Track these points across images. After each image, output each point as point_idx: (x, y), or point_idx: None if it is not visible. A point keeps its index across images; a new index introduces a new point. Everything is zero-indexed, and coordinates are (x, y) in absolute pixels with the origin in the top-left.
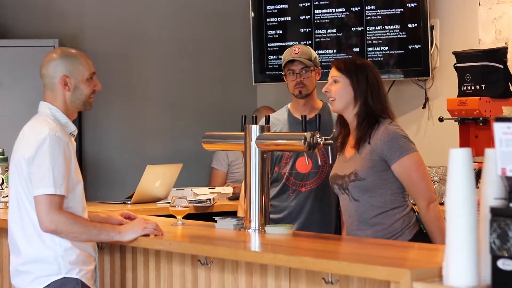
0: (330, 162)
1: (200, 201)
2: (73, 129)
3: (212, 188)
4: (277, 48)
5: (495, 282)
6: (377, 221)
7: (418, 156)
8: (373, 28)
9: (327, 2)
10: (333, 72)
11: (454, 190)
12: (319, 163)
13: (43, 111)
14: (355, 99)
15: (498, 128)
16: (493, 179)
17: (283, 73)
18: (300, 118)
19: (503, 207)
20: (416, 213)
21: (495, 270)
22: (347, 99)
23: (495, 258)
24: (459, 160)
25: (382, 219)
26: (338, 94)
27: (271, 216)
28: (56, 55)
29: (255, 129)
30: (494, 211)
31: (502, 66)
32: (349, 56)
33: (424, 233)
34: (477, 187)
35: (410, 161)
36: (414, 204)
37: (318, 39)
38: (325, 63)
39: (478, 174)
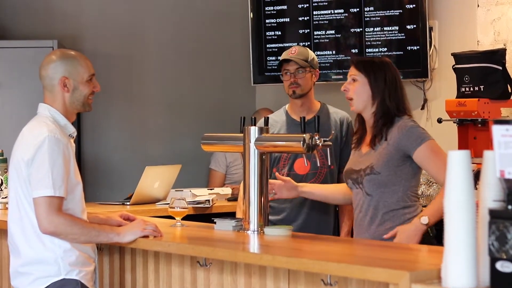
0: (329, 164)
1: (199, 202)
2: (72, 130)
3: (211, 189)
4: (276, 49)
5: (494, 284)
6: (387, 218)
7: (433, 143)
8: (371, 29)
9: (326, 3)
10: (352, 71)
11: (453, 192)
12: (318, 165)
13: (42, 113)
14: (373, 98)
15: (497, 131)
16: (492, 181)
17: (280, 73)
18: (298, 119)
19: (502, 209)
20: None
21: (494, 272)
22: (364, 98)
23: (493, 260)
24: (457, 162)
25: (392, 217)
26: (356, 93)
27: (270, 217)
28: (55, 57)
29: (254, 131)
30: (493, 213)
31: (500, 68)
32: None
33: (431, 236)
34: (476, 189)
35: (429, 147)
36: (424, 206)
37: (317, 40)
38: (323, 64)
39: (476, 176)
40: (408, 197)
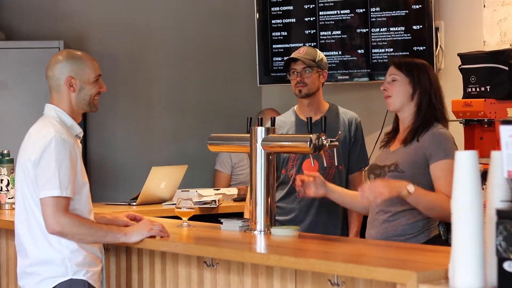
0: (336, 164)
1: (205, 203)
2: (79, 131)
3: (217, 190)
4: (282, 50)
5: (501, 284)
6: (402, 216)
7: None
8: (377, 29)
9: (332, 4)
10: (392, 71)
11: (461, 193)
12: (325, 165)
13: (48, 113)
14: (412, 99)
15: (505, 131)
16: (499, 182)
17: (287, 73)
18: (304, 119)
19: (509, 210)
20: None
21: (501, 272)
22: (404, 98)
23: (501, 260)
24: (465, 162)
25: (407, 215)
26: (396, 93)
27: (278, 218)
28: (62, 57)
29: (260, 131)
30: (500, 214)
31: (507, 68)
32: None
33: (442, 239)
34: (483, 189)
35: (450, 166)
36: None
37: (323, 41)
38: (329, 65)
39: (483, 176)
40: None
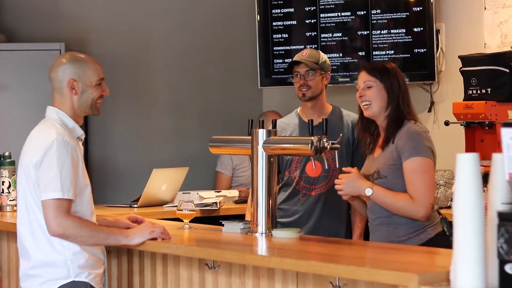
0: (337, 166)
1: (206, 205)
2: (81, 133)
3: (218, 192)
4: (283, 52)
5: (503, 286)
6: (399, 217)
7: (428, 163)
8: (378, 32)
9: (333, 6)
10: (364, 77)
11: (462, 195)
12: (326, 167)
13: (50, 116)
14: (388, 103)
15: (506, 133)
16: (500, 184)
17: (291, 76)
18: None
19: (511, 212)
20: (441, 216)
21: (503, 274)
22: (382, 103)
23: (502, 262)
24: (466, 164)
25: (399, 219)
26: (374, 99)
27: (281, 220)
28: (65, 60)
29: (262, 133)
30: (502, 216)
31: (507, 70)
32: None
33: (447, 235)
34: (484, 191)
35: (417, 163)
36: (441, 207)
37: (324, 43)
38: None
39: (484, 178)
40: None
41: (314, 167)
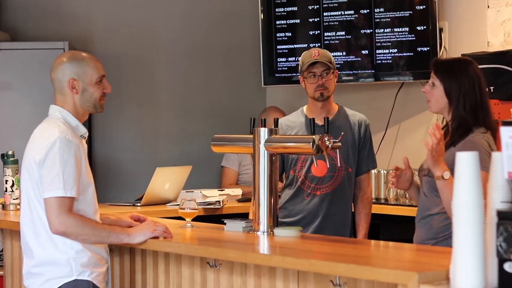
0: (338, 165)
1: (209, 203)
2: (84, 131)
3: (222, 190)
4: (286, 51)
5: (502, 285)
6: (434, 219)
7: (486, 177)
8: (382, 30)
9: (336, 5)
10: (432, 73)
11: (461, 194)
12: (328, 166)
13: (53, 114)
14: (449, 105)
15: (505, 132)
16: (499, 183)
17: (300, 76)
18: (318, 122)
19: (510, 211)
20: None
21: (502, 273)
22: (441, 103)
23: (501, 261)
24: (466, 164)
25: (439, 217)
26: (434, 98)
27: (286, 220)
28: (65, 59)
29: (263, 132)
30: (501, 215)
31: (510, 69)
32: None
33: None
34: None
35: None
36: None
37: (327, 42)
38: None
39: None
40: None
41: (316, 166)
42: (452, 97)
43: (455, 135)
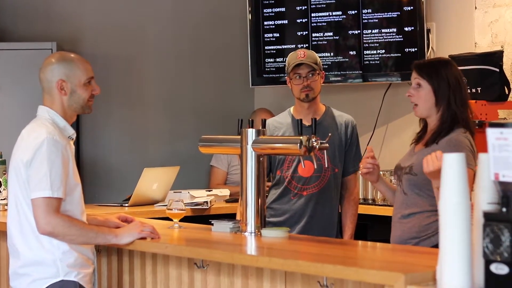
0: (325, 166)
1: (197, 204)
2: (72, 132)
3: (209, 191)
4: (274, 51)
5: (488, 286)
6: (416, 218)
7: (471, 174)
8: (370, 31)
9: (324, 6)
10: (415, 75)
11: (448, 195)
12: (315, 167)
13: (41, 115)
14: (438, 105)
15: (491, 134)
16: (486, 184)
17: (287, 77)
18: (306, 123)
19: (496, 212)
20: None
21: (488, 274)
22: (429, 105)
23: (488, 262)
24: (452, 164)
25: (421, 216)
26: (421, 100)
27: (272, 219)
28: (54, 60)
29: (251, 133)
30: (487, 216)
31: (498, 70)
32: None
33: None
34: (473, 190)
35: None
36: None
37: (315, 42)
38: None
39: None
40: None
41: (303, 167)
42: (442, 95)
43: (438, 132)
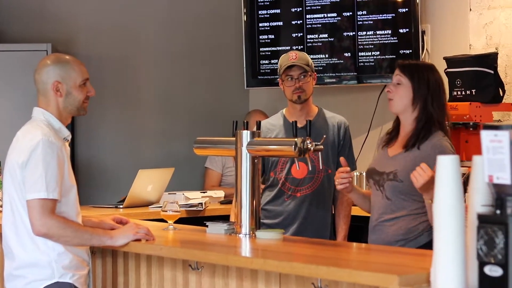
0: (321, 168)
1: (191, 205)
2: (67, 134)
3: (204, 192)
4: (269, 53)
5: None
6: (402, 220)
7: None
8: (364, 33)
9: (319, 7)
10: (397, 72)
11: (442, 197)
12: (309, 169)
13: (36, 117)
14: (414, 103)
15: (486, 136)
16: (480, 186)
17: (279, 79)
18: (298, 124)
19: (490, 214)
20: None
21: (482, 276)
22: (405, 102)
23: (482, 264)
24: (447, 167)
25: (407, 218)
26: (398, 96)
27: (266, 221)
28: (49, 61)
29: (246, 135)
30: (482, 218)
31: (492, 72)
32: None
33: None
34: (467, 192)
35: None
36: None
37: (310, 44)
38: (317, 68)
39: (468, 179)
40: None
41: (298, 169)
42: (420, 94)
43: (419, 135)
